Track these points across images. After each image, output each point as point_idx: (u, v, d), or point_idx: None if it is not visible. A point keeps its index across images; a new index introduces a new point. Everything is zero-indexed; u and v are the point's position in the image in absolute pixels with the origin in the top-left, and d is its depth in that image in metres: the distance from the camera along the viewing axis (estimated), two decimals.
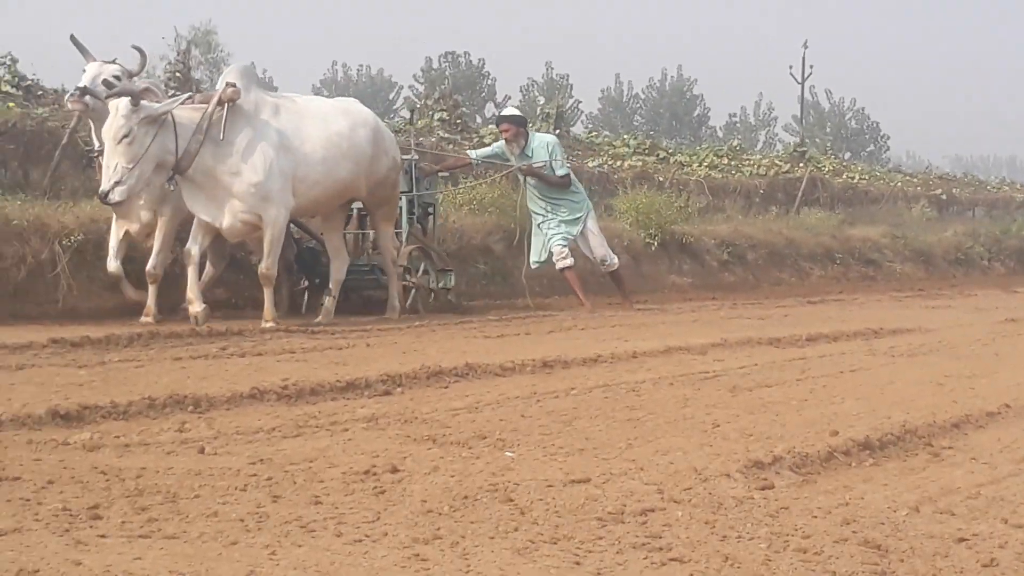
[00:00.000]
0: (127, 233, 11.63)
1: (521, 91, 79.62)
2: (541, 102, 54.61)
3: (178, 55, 25.27)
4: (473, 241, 16.27)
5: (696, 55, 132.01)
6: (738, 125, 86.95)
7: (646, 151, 30.19)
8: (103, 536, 4.04)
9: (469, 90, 66.65)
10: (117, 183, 10.54)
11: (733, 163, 31.41)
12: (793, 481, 5.09)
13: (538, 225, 15.03)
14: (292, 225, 12.56)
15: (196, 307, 11.03)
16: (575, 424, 6.35)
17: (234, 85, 11.20)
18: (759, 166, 31.74)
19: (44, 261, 11.74)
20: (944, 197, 36.38)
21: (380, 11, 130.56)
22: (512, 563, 3.89)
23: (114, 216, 11.61)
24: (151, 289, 11.55)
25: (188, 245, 11.31)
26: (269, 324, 11.02)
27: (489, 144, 18.12)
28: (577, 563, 3.91)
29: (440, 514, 4.43)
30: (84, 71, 11.44)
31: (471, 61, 77.77)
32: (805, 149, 36.07)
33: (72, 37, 11.49)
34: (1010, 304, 17.21)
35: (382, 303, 13.03)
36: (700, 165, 30.26)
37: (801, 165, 32.29)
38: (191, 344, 9.63)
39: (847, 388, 7.94)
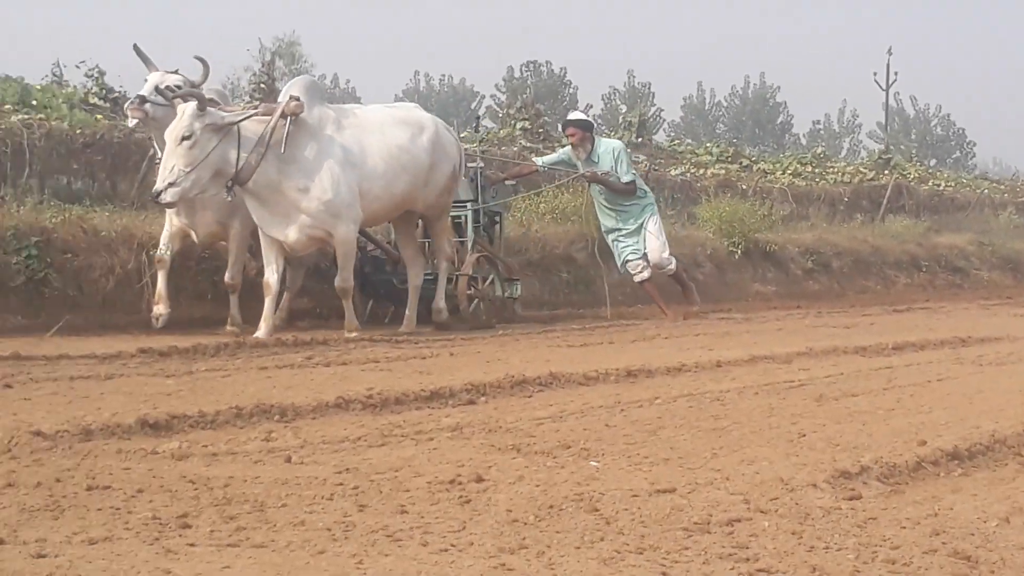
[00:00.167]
0: (181, 231, 11.59)
1: (603, 99, 79.88)
2: (623, 110, 54.57)
3: (262, 66, 25.53)
4: (556, 250, 16.27)
5: (779, 62, 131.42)
6: (822, 132, 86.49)
7: (729, 159, 30.04)
8: (192, 545, 4.07)
9: (551, 99, 66.77)
10: (171, 184, 10.44)
11: (817, 171, 31.16)
12: (881, 491, 5.05)
13: (606, 234, 15.00)
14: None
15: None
16: (660, 433, 6.33)
17: (297, 98, 11.11)
18: (843, 173, 31.46)
19: (132, 271, 11.86)
20: None
21: (462, 21, 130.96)
22: (598, 573, 3.88)
23: (168, 216, 11.58)
24: (232, 299, 11.65)
25: (266, 276, 11.29)
26: (352, 334, 11.06)
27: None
28: (663, 573, 3.90)
29: (525, 524, 4.43)
30: (146, 80, 11.48)
31: (553, 70, 78.06)
32: (890, 156, 35.76)
33: (135, 46, 11.44)
34: None
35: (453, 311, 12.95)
36: (784, 173, 30.05)
37: (886, 172, 32.00)
38: (277, 354, 9.71)
39: (935, 397, 7.86)
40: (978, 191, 34.84)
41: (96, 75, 19.09)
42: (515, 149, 22.23)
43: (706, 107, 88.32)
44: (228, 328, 11.36)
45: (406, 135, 11.99)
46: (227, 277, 11.70)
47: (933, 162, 65.85)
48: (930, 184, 33.22)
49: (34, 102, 16.97)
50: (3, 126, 14.98)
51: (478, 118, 21.02)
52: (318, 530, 4.28)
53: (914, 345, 11.20)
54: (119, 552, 3.96)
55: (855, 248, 22.66)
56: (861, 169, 32.89)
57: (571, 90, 77.46)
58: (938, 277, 23.79)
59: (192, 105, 10.57)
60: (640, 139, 29.19)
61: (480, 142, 24.69)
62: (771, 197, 25.59)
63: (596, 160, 14.57)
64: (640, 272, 14.73)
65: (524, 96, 33.09)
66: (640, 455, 5.71)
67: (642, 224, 14.76)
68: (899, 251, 23.68)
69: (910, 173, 33.61)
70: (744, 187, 25.97)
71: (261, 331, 10.83)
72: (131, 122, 11.68)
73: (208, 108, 10.62)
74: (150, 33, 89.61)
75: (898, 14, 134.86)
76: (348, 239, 11.36)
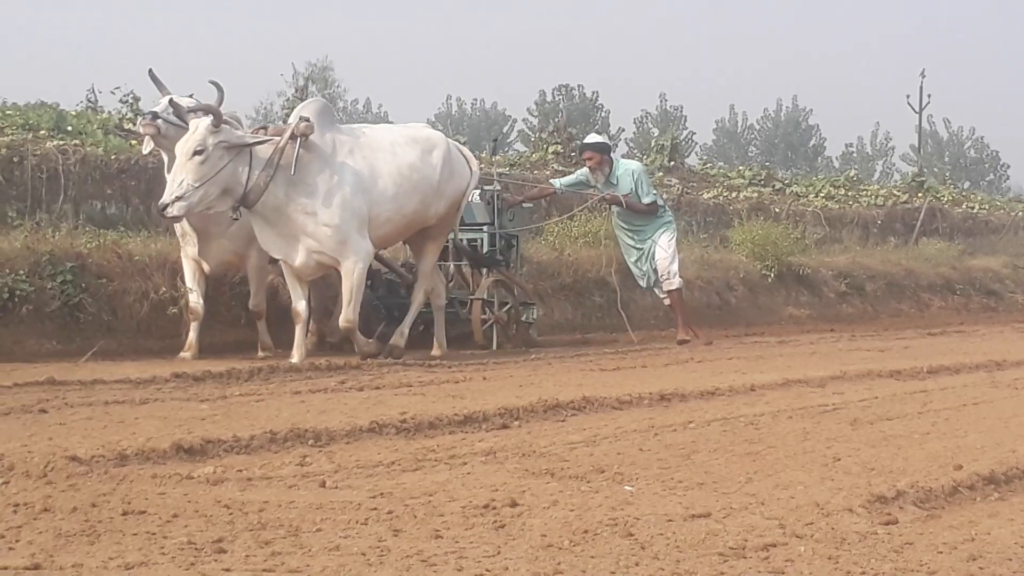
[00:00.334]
0: (198, 266, 11.48)
1: (635, 123, 79.94)
2: (655, 134, 54.58)
3: (296, 91, 25.60)
4: (589, 274, 16.25)
5: (811, 85, 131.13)
6: (854, 155, 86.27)
7: (761, 182, 29.98)
8: (228, 570, 4.08)
9: (583, 122, 66.70)
10: (179, 198, 10.23)
11: (850, 193, 31.07)
12: (917, 516, 5.02)
13: (625, 253, 14.94)
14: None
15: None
16: (694, 458, 6.31)
17: (307, 119, 10.91)
18: (876, 196, 31.38)
19: (166, 296, 11.89)
20: None
21: (494, 45, 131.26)
22: None
23: (183, 249, 11.53)
24: (260, 325, 11.67)
25: (294, 304, 11.18)
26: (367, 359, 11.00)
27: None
28: None
29: (560, 548, 4.42)
30: (158, 103, 11.46)
31: (585, 93, 78.06)
32: (924, 179, 35.63)
33: (150, 72, 11.40)
34: None
35: (467, 336, 12.95)
36: (816, 196, 29.97)
37: (919, 195, 31.90)
38: (310, 378, 9.73)
39: (970, 421, 7.82)
40: (1012, 213, 34.68)
41: (131, 101, 19.15)
42: (547, 172, 22.20)
43: (738, 130, 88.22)
44: (260, 354, 11.39)
45: (416, 153, 11.77)
46: (251, 304, 11.74)
47: (967, 185, 65.63)
48: (964, 207, 33.08)
49: (69, 128, 17.07)
50: (39, 152, 15.07)
51: (495, 140, 21.01)
52: (353, 555, 4.28)
53: (949, 369, 11.16)
54: None
55: (889, 271, 22.59)
56: (894, 192, 32.80)
57: (603, 113, 77.53)
58: (972, 300, 23.68)
59: (207, 120, 10.43)
60: (672, 162, 29.16)
61: (511, 165, 24.72)
62: (804, 220, 25.53)
63: (615, 182, 14.52)
64: (669, 279, 14.55)
65: (556, 120, 33.15)
66: (674, 479, 5.70)
67: (656, 236, 14.64)
68: (933, 274, 23.59)
69: (944, 196, 33.49)
70: (777, 210, 25.92)
71: (295, 358, 10.81)
72: (145, 148, 11.72)
73: (223, 125, 10.49)
74: (184, 59, 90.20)
75: (931, 37, 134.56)
76: (354, 272, 11.04)
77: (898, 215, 29.74)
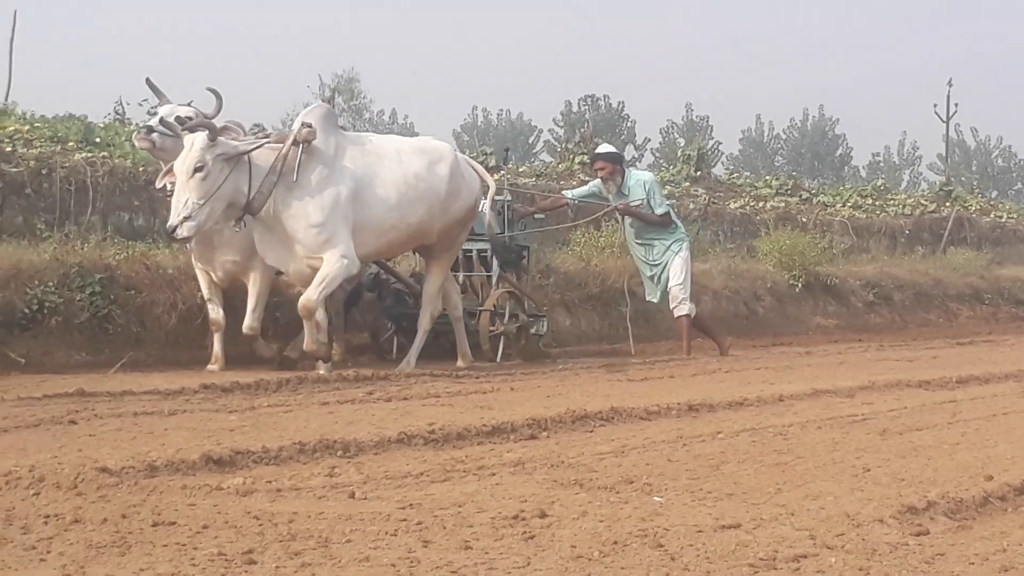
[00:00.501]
0: (209, 276, 11.37)
1: (661, 133, 79.94)
2: (681, 144, 54.56)
3: (322, 102, 25.65)
4: (616, 284, 16.23)
5: (838, 94, 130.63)
6: (882, 164, 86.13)
7: (788, 192, 29.94)
8: None
9: (609, 133, 66.72)
10: (186, 219, 10.11)
11: (877, 203, 31.02)
12: (948, 527, 5.00)
13: (639, 266, 14.85)
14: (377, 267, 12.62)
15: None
16: (723, 468, 6.30)
17: (309, 126, 10.78)
18: (904, 206, 31.32)
19: (194, 308, 11.91)
20: None
21: (520, 55, 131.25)
22: None
23: (194, 263, 11.44)
24: (257, 344, 11.47)
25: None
26: (310, 351, 10.88)
27: None
28: None
29: (590, 560, 4.42)
30: (155, 112, 11.37)
31: (610, 104, 78.12)
32: (951, 188, 35.54)
33: (147, 80, 11.38)
34: None
35: (474, 348, 12.79)
36: (844, 205, 29.92)
37: (947, 204, 31.82)
38: (338, 389, 9.73)
39: (1000, 431, 7.80)
40: None
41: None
42: (574, 183, 22.20)
43: (764, 140, 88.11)
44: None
45: (423, 163, 11.57)
46: (245, 326, 11.28)
47: (995, 194, 65.50)
48: (992, 216, 32.97)
49: (97, 140, 17.16)
50: (67, 164, 15.16)
51: (507, 150, 21.03)
52: (383, 566, 4.29)
53: (978, 378, 11.12)
54: None
55: (917, 281, 22.51)
56: (922, 201, 32.71)
57: (629, 124, 77.62)
58: (1001, 310, 23.57)
59: (202, 135, 10.29)
60: (699, 172, 29.17)
61: (538, 176, 24.74)
62: (831, 230, 25.51)
63: (627, 193, 14.39)
64: (678, 305, 14.47)
65: (582, 130, 33.16)
66: (703, 490, 5.69)
67: (670, 257, 14.52)
68: (961, 283, 23.50)
69: (971, 205, 33.38)
70: (804, 220, 25.89)
71: (322, 369, 10.81)
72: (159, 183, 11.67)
73: (219, 138, 10.37)
74: (211, 71, 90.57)
75: (958, 46, 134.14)
76: (334, 262, 10.68)
77: (926, 224, 29.68)
